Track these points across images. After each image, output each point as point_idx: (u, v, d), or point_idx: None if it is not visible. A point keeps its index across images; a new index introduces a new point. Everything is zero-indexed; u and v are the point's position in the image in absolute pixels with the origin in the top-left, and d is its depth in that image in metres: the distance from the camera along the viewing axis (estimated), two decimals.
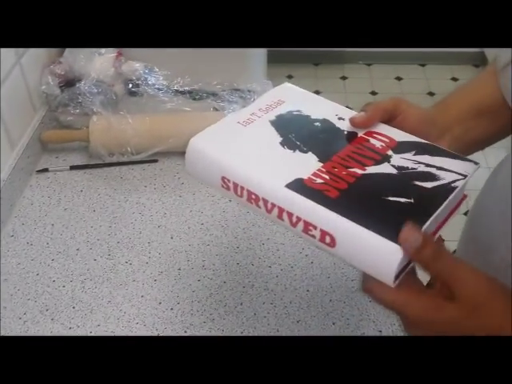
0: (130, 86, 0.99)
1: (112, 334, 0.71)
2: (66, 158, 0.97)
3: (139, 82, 0.99)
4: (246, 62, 1.12)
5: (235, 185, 0.50)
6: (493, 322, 0.41)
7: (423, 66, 2.86)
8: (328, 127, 0.55)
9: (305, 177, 0.48)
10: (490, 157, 1.06)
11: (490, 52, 2.65)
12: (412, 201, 0.46)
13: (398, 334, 0.71)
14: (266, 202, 0.49)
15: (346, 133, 0.54)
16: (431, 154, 0.52)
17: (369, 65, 2.83)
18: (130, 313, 0.74)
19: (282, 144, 0.52)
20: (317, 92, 2.35)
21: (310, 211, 0.46)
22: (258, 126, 0.54)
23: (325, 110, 0.57)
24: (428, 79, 2.76)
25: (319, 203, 0.46)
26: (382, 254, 0.43)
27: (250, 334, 0.71)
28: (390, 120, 0.56)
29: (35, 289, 0.76)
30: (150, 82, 0.98)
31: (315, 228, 0.46)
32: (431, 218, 0.45)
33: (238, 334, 0.71)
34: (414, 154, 0.52)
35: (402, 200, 0.46)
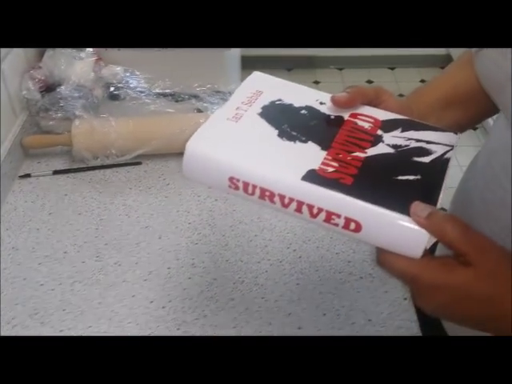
0: (112, 89, 0.99)
1: (105, 334, 0.71)
2: (49, 163, 0.96)
3: (120, 85, 0.99)
4: (223, 65, 1.14)
5: (245, 184, 0.49)
6: (506, 289, 0.41)
7: (392, 69, 2.92)
8: (314, 114, 0.56)
9: (316, 167, 0.49)
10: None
11: (456, 53, 2.72)
12: (419, 177, 0.49)
13: (387, 323, 0.72)
14: (282, 197, 0.48)
15: (333, 117, 0.56)
16: (416, 129, 0.55)
17: (340, 69, 2.88)
18: (121, 313, 0.74)
19: (280, 136, 0.52)
20: None
21: (332, 201, 0.47)
22: (248, 120, 0.54)
23: (304, 96, 0.58)
24: (398, 82, 2.82)
25: (340, 192, 0.46)
26: (410, 233, 0.45)
27: (243, 329, 0.72)
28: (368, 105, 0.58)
29: (23, 293, 0.76)
30: (131, 85, 0.98)
31: (339, 217, 0.47)
32: (442, 190, 0.47)
33: (231, 328, 0.72)
34: (402, 131, 0.54)
35: (411, 177, 0.49)
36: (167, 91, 1.00)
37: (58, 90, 0.94)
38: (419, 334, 0.71)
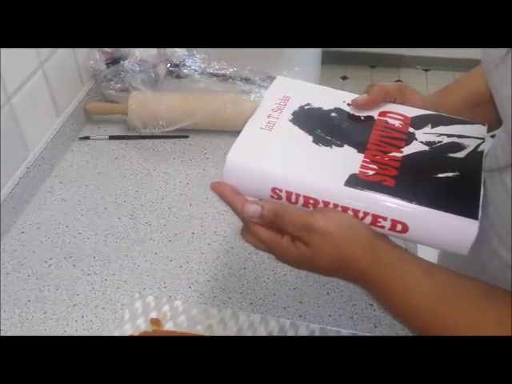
0: (169, 65, 1.07)
1: (124, 283, 0.78)
2: (107, 129, 1.06)
3: (178, 63, 1.06)
4: (281, 54, 1.17)
5: (289, 193, 0.50)
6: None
7: None
8: (344, 116, 0.57)
9: (356, 171, 0.49)
10: None
11: None
12: (458, 173, 0.50)
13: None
14: (326, 204, 0.49)
15: (363, 118, 0.56)
16: (445, 124, 0.56)
17: (426, 70, 2.81)
18: (143, 266, 0.81)
19: (316, 142, 0.53)
20: None
21: (378, 204, 0.47)
22: (281, 128, 0.54)
23: (330, 98, 0.58)
24: None
25: (385, 194, 0.47)
26: (459, 231, 0.46)
27: (249, 295, 0.77)
28: (393, 103, 0.58)
29: (63, 238, 0.85)
30: (187, 64, 1.05)
31: (385, 219, 0.48)
32: (482, 185, 0.48)
33: (238, 294, 0.77)
34: (432, 127, 0.55)
35: (450, 174, 0.50)
36: (220, 72, 1.06)
37: (122, 62, 1.03)
38: None
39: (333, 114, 0.56)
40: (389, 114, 0.57)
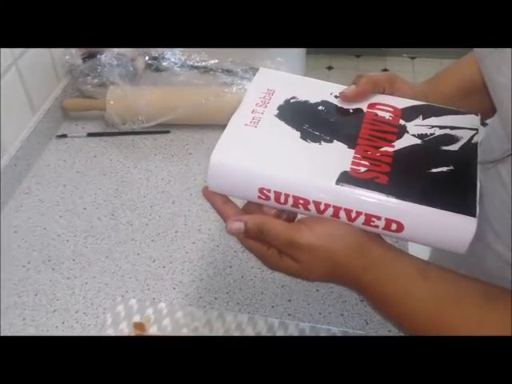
0: (147, 58, 1.03)
1: (106, 286, 0.75)
2: (85, 126, 1.02)
3: (157, 56, 1.03)
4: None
5: (277, 194, 0.47)
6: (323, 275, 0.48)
7: None
8: (332, 109, 0.54)
9: (347, 168, 0.47)
10: None
11: None
12: (452, 168, 0.47)
13: None
14: (317, 204, 0.46)
15: (351, 111, 0.54)
16: (436, 115, 0.53)
17: (413, 58, 2.79)
18: (124, 268, 0.78)
19: (304, 138, 0.50)
20: None
21: (371, 204, 0.45)
22: (267, 123, 0.52)
23: (317, 90, 0.56)
24: None
25: (378, 192, 0.45)
26: (456, 229, 0.44)
27: (235, 295, 0.74)
28: (382, 94, 0.56)
29: (41, 241, 0.82)
30: (166, 57, 1.02)
31: (379, 219, 0.45)
32: (478, 179, 0.46)
33: (224, 293, 0.74)
34: (423, 119, 0.53)
35: (445, 169, 0.47)
36: (201, 64, 1.03)
37: (99, 57, 0.99)
38: None
39: (320, 108, 0.54)
40: (378, 106, 0.54)
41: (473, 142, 0.50)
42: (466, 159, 0.48)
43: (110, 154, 0.97)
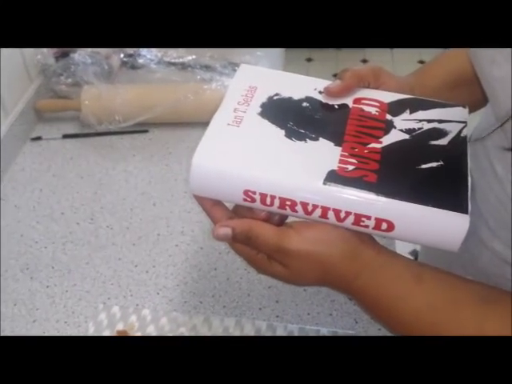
0: (122, 56, 1.00)
1: (87, 293, 0.73)
2: (60, 127, 0.99)
3: (133, 53, 1.00)
4: None
5: (263, 195, 0.45)
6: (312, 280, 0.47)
7: None
8: (316, 105, 0.52)
9: (335, 167, 0.45)
10: None
11: None
12: (442, 163, 0.46)
13: None
14: (305, 205, 0.45)
15: (337, 107, 0.52)
16: (423, 108, 0.52)
17: (392, 48, 2.79)
18: (106, 274, 0.75)
19: (289, 136, 0.48)
20: None
21: (360, 203, 0.44)
22: (250, 123, 0.50)
23: (300, 86, 0.54)
24: None
25: (367, 192, 0.43)
26: (448, 226, 0.43)
27: (221, 298, 0.72)
28: (368, 88, 0.54)
29: (18, 249, 0.79)
30: (142, 54, 0.99)
31: (369, 218, 0.44)
32: (469, 175, 0.45)
33: (210, 297, 0.72)
34: (411, 113, 0.51)
35: (434, 165, 0.46)
36: (178, 60, 1.00)
37: (72, 55, 0.96)
38: None
39: (304, 104, 0.52)
40: (364, 101, 0.52)
41: (462, 135, 0.48)
42: (456, 154, 0.47)
43: (87, 155, 0.94)
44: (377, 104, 0.52)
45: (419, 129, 0.49)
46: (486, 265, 0.49)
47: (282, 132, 0.49)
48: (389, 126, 0.50)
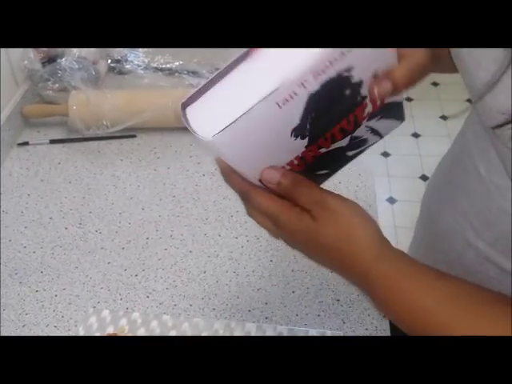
0: (110, 61, 1.01)
1: (77, 298, 0.73)
2: (47, 133, 0.99)
3: (120, 58, 1.00)
4: None
5: None
6: (344, 241, 0.45)
7: None
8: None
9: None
10: None
11: None
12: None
13: (355, 304, 0.72)
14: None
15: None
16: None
17: None
18: (95, 278, 0.76)
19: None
20: None
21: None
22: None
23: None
24: None
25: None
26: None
27: (211, 301, 0.73)
28: None
29: (6, 254, 0.79)
30: (129, 59, 0.99)
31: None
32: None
33: (199, 299, 0.73)
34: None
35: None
36: (166, 66, 1.01)
37: (59, 61, 0.97)
38: (385, 318, 0.70)
39: None
40: None
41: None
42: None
43: (75, 160, 0.94)
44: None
45: None
46: (470, 263, 0.51)
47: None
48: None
